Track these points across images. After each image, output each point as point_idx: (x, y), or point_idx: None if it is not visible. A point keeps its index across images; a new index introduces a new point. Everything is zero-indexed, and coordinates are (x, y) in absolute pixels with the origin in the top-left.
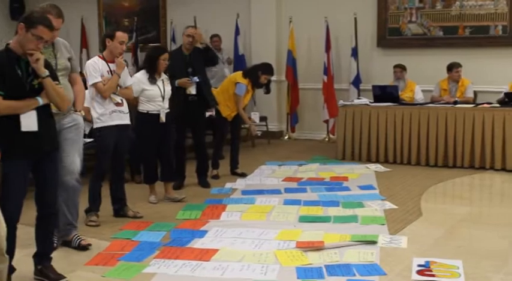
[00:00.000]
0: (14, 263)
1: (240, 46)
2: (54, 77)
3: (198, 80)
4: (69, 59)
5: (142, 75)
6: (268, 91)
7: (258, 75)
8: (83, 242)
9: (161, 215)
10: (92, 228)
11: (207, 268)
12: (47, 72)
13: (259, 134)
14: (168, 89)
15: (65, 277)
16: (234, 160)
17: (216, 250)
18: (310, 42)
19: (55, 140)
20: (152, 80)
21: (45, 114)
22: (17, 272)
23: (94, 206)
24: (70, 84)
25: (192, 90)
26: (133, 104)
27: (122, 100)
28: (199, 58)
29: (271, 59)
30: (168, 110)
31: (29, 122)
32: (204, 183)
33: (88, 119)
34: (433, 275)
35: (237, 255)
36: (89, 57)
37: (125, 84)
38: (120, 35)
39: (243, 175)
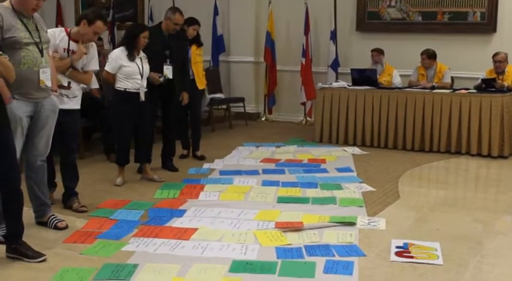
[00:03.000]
0: None
1: (219, 26)
2: None
3: (170, 77)
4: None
5: (120, 51)
6: (200, 44)
7: (183, 29)
8: (59, 225)
9: (138, 193)
10: None
11: (186, 247)
12: None
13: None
14: (147, 67)
15: (44, 255)
16: (194, 142)
17: (195, 229)
18: (289, 24)
19: None
20: (131, 57)
21: None
22: None
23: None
24: None
25: (169, 75)
26: (111, 82)
27: (69, 83)
28: (181, 41)
29: (249, 40)
30: (147, 89)
31: None
32: (170, 167)
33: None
34: (411, 257)
35: (216, 234)
36: None
37: (85, 68)
38: (100, 26)
39: (202, 158)
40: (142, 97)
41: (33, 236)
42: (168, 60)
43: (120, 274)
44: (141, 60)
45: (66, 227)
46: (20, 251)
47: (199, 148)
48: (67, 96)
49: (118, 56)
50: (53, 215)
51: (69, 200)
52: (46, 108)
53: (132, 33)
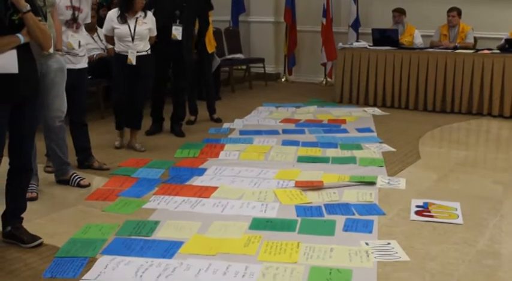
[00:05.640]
0: None
1: None
2: (37, 12)
3: (179, 38)
4: None
5: (113, 12)
6: (211, 7)
7: None
8: (82, 183)
9: (159, 153)
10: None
11: (206, 205)
12: (28, 7)
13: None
14: (141, 28)
15: (40, 238)
16: (210, 105)
17: (215, 188)
18: None
19: (36, 85)
20: (122, 18)
21: (26, 54)
22: None
23: None
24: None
25: (178, 36)
26: (111, 43)
27: (79, 42)
28: (193, 2)
29: (269, 0)
30: (145, 53)
31: (8, 62)
32: (177, 132)
33: None
34: (431, 216)
35: (236, 193)
36: None
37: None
38: None
39: (218, 121)
40: (133, 61)
41: (55, 194)
42: (177, 21)
43: (141, 231)
44: (136, 20)
45: (89, 185)
46: (15, 236)
47: (216, 111)
48: (79, 55)
49: (110, 17)
50: (75, 173)
51: (87, 160)
52: (53, 68)
53: None
